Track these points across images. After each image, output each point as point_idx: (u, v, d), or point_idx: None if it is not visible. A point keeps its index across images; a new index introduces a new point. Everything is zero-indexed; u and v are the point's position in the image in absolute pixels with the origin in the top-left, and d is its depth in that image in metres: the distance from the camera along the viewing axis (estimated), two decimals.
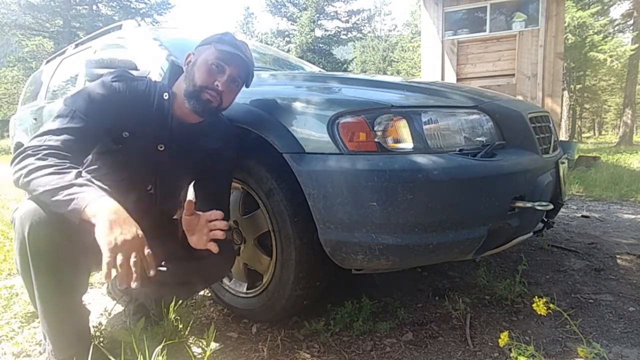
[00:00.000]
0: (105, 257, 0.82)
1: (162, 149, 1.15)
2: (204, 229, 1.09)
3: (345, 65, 22.36)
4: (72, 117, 1.00)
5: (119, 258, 0.82)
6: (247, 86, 1.20)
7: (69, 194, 0.86)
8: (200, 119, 1.17)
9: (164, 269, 1.19)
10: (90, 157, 1.14)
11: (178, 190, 1.31)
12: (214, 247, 1.07)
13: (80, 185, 0.88)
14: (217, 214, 1.09)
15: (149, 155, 1.14)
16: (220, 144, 1.24)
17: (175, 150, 1.16)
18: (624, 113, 14.89)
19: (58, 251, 0.95)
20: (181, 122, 1.16)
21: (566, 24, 11.68)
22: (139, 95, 1.11)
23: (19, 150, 0.94)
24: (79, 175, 0.92)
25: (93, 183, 0.96)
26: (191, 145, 1.20)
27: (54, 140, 0.96)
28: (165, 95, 1.14)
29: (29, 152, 0.93)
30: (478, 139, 1.24)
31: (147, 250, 0.87)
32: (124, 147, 1.10)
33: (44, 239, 0.93)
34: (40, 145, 0.94)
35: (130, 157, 1.12)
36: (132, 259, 0.83)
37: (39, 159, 0.91)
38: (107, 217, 0.84)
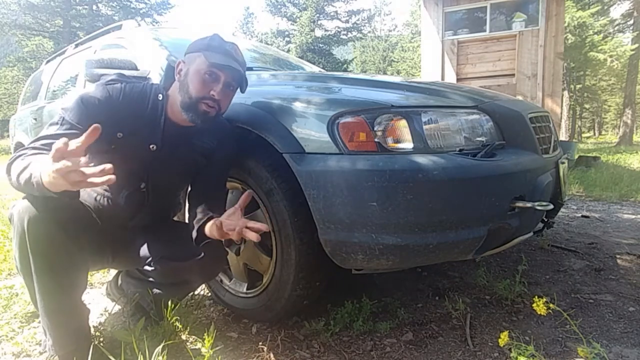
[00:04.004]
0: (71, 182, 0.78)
1: (155, 148, 1.15)
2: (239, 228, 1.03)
3: (345, 65, 22.36)
4: (62, 123, 1.03)
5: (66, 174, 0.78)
6: (242, 90, 1.18)
7: (28, 172, 0.86)
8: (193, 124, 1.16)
9: (151, 268, 1.20)
10: (88, 157, 1.14)
11: (172, 190, 1.31)
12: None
13: (35, 161, 0.88)
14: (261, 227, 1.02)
15: (142, 154, 1.15)
16: (215, 143, 1.24)
17: (168, 150, 1.17)
18: (624, 113, 14.89)
19: (57, 244, 0.96)
20: (174, 123, 1.16)
21: (566, 24, 11.67)
22: (134, 97, 1.12)
23: (10, 157, 0.96)
24: (42, 155, 0.92)
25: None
26: (184, 146, 1.20)
27: (39, 144, 0.98)
28: (160, 97, 1.15)
29: (17, 154, 0.95)
30: (478, 139, 1.24)
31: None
32: (117, 147, 1.11)
33: (43, 232, 0.94)
34: (26, 148, 0.97)
35: (123, 156, 1.12)
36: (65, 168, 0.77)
37: (16, 157, 0.94)
38: (55, 181, 0.80)
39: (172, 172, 1.23)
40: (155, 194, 1.21)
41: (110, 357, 1.02)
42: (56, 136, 0.99)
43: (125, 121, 1.10)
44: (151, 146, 1.15)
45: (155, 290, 1.26)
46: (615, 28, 17.19)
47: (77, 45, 3.12)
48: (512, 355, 1.03)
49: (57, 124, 1.03)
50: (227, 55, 1.11)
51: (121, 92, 1.11)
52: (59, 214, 0.95)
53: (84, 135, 0.79)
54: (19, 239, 0.95)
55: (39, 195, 0.91)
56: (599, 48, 14.81)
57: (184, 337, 1.31)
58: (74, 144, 0.78)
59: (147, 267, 1.22)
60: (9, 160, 0.95)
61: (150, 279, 1.27)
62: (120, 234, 1.21)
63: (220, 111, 1.13)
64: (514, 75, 6.17)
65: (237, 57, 1.13)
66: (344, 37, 24.61)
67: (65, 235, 0.97)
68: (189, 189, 1.31)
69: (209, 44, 1.11)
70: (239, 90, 1.18)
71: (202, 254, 1.16)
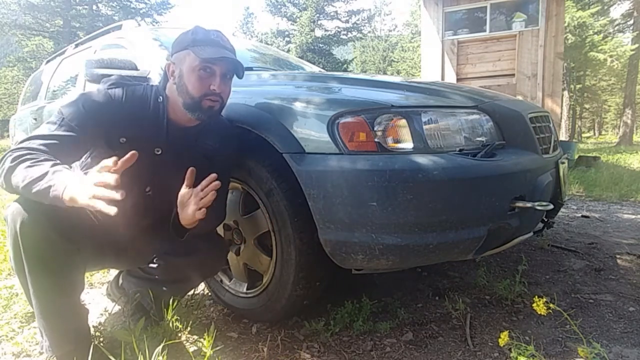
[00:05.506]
0: (93, 205, 0.82)
1: (160, 152, 1.15)
2: (195, 199, 1.05)
3: (345, 65, 22.35)
4: (60, 124, 1.01)
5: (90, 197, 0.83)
6: (239, 76, 1.16)
7: (46, 182, 0.86)
8: (198, 122, 1.16)
9: (154, 265, 1.20)
10: (88, 160, 1.14)
11: (176, 192, 1.31)
12: (200, 214, 1.03)
13: (54, 172, 0.88)
14: (211, 177, 1.04)
15: (147, 159, 1.13)
16: (217, 143, 1.24)
17: (172, 153, 1.16)
18: (624, 113, 14.89)
19: (50, 246, 0.95)
20: (177, 125, 1.16)
21: (566, 24, 11.66)
22: (136, 100, 1.11)
23: (2, 155, 0.94)
24: (55, 164, 0.91)
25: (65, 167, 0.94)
26: (189, 148, 1.19)
27: (36, 144, 0.96)
28: (160, 99, 1.14)
29: (8, 154, 0.93)
30: (478, 139, 1.24)
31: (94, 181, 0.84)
32: (121, 152, 1.09)
33: (36, 235, 0.93)
34: (20, 147, 0.95)
35: None
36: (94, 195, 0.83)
37: (15, 158, 0.91)
38: (80, 194, 0.84)
39: (176, 175, 1.23)
40: (160, 198, 1.21)
41: (110, 357, 1.02)
42: (53, 137, 0.98)
43: (128, 126, 1.08)
44: (156, 150, 1.14)
45: (157, 289, 1.26)
46: (615, 28, 17.19)
47: (77, 45, 3.12)
48: (512, 355, 1.03)
49: (55, 123, 1.01)
50: (215, 46, 1.09)
51: (123, 96, 1.09)
52: (52, 215, 0.94)
53: (121, 161, 0.85)
54: (12, 241, 0.95)
55: (34, 199, 0.90)
56: (599, 48, 14.82)
57: (184, 337, 1.31)
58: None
59: (150, 264, 1.22)
60: (3, 159, 0.92)
61: (152, 277, 1.27)
62: (122, 235, 1.21)
63: (223, 102, 1.13)
64: (514, 75, 6.17)
65: (225, 45, 1.11)
66: (344, 37, 24.60)
67: (59, 236, 0.96)
68: None
69: (194, 38, 1.09)
70: (240, 90, 1.17)
71: (204, 251, 1.16)
